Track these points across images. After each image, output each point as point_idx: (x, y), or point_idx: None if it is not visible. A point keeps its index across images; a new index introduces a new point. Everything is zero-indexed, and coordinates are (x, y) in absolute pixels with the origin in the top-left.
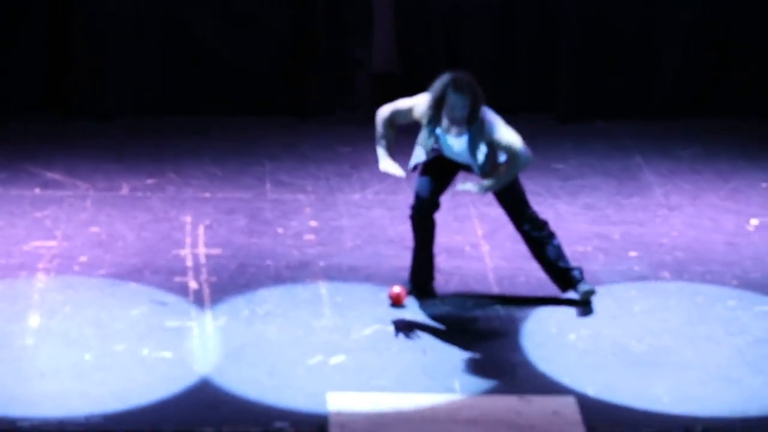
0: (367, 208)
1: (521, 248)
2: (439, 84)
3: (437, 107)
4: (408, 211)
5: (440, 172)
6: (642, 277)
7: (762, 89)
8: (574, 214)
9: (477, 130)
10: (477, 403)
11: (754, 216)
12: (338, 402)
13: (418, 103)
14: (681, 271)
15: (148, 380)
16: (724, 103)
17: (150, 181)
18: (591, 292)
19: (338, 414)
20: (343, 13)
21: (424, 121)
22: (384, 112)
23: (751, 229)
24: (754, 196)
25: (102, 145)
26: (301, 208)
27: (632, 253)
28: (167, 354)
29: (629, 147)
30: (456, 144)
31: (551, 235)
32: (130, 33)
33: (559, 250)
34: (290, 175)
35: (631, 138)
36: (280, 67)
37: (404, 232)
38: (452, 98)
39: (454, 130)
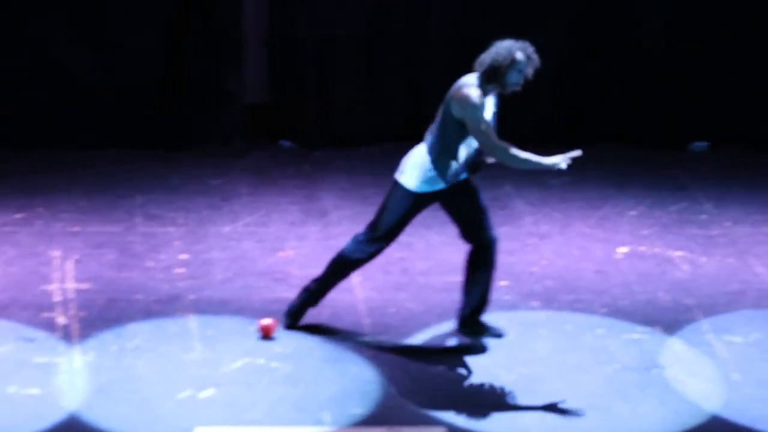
0: (238, 240)
1: (392, 279)
2: (514, 48)
3: (500, 74)
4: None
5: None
6: (512, 307)
7: (630, 117)
8: (446, 244)
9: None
10: None
11: (623, 244)
12: None
13: (481, 99)
14: (550, 300)
15: (15, 418)
16: (593, 131)
17: (18, 216)
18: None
19: None
20: (214, 44)
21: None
22: (503, 144)
23: (619, 257)
24: (622, 225)
25: None
26: (171, 241)
27: (503, 283)
28: (35, 390)
29: (499, 176)
30: (488, 111)
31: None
32: None
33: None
34: (160, 208)
35: (501, 167)
36: (150, 100)
37: (274, 264)
38: (525, 66)
39: (490, 95)
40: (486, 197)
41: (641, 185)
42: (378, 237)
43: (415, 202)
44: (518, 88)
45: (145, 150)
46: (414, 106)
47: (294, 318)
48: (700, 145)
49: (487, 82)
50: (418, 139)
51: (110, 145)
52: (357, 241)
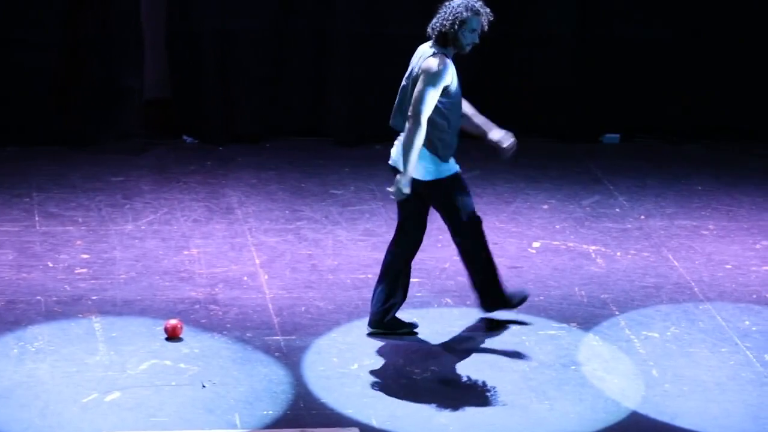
0: (141, 239)
1: (300, 277)
2: (460, 8)
3: (452, 38)
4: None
5: None
6: (425, 304)
7: (539, 109)
8: (353, 241)
9: None
10: None
11: (536, 239)
12: None
13: (447, 65)
14: (464, 297)
15: None
16: (501, 124)
17: None
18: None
19: None
20: (113, 39)
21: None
22: (422, 126)
23: (533, 251)
24: (535, 219)
25: None
26: (71, 240)
27: (414, 279)
28: None
29: None
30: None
31: None
32: None
33: None
34: (60, 207)
35: None
36: (48, 96)
37: (179, 262)
38: (476, 22)
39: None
40: None
41: (552, 178)
42: (470, 229)
43: (454, 182)
44: (476, 44)
45: (43, 147)
46: (317, 99)
47: (501, 303)
48: (611, 137)
49: (443, 47)
50: (322, 134)
51: (6, 142)
52: (462, 245)
